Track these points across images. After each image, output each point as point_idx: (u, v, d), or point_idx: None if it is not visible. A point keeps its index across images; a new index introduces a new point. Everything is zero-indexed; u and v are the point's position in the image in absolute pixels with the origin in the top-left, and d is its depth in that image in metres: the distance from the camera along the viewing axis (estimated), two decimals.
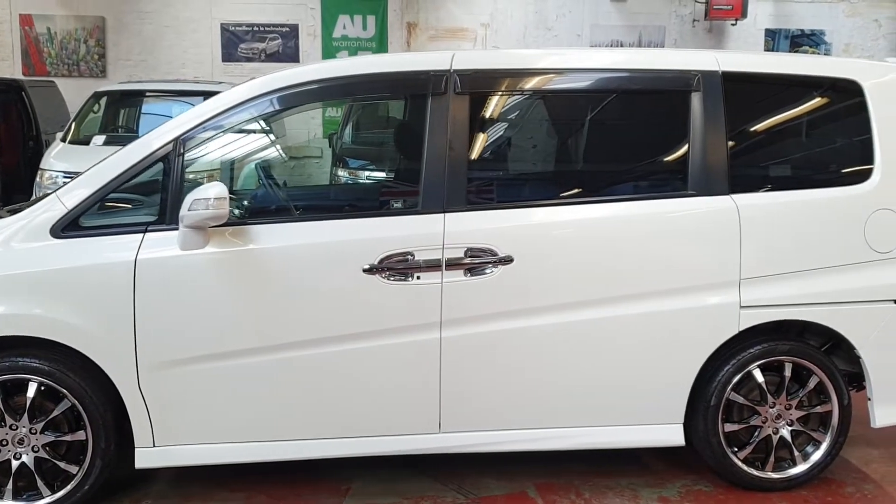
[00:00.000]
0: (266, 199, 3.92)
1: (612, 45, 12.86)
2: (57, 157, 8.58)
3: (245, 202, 3.81)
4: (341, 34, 12.85)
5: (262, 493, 3.67)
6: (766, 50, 12.85)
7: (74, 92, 11.43)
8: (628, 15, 13.07)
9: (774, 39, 13.22)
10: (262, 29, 12.80)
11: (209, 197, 3.13)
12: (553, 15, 13.06)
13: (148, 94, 9.81)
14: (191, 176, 3.52)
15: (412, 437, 3.52)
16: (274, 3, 12.70)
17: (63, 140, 9.00)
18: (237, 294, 3.33)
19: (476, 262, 3.39)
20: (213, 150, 3.61)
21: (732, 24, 12.95)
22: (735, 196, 3.54)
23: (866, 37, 13.27)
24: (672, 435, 3.63)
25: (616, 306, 3.48)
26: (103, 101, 9.59)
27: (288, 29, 12.82)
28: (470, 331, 3.43)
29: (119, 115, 9.83)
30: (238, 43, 12.77)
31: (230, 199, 3.59)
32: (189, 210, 3.15)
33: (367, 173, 6.83)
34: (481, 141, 3.70)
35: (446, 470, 3.86)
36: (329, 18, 12.81)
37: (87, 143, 8.76)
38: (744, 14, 12.46)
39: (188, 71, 12.55)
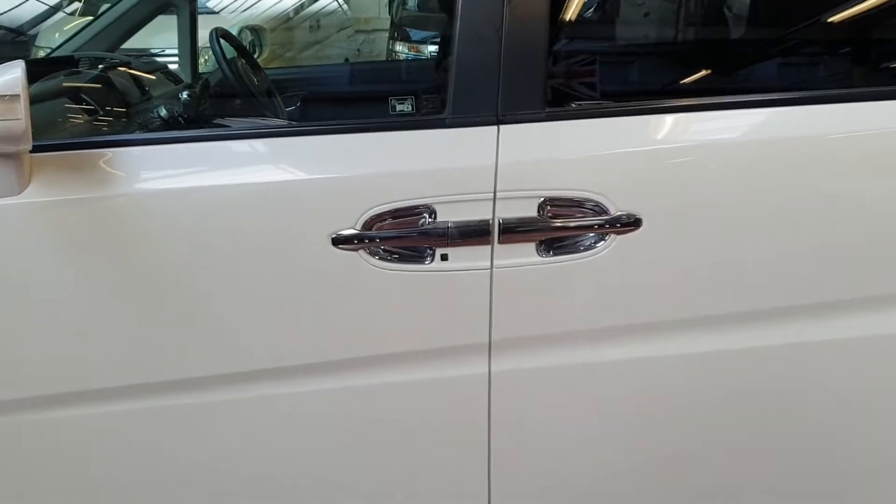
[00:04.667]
0: (172, 103, 2.22)
1: None
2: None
3: (122, 108, 2.12)
4: None
5: None
6: None
7: None
8: None
9: None
10: None
11: None
12: None
13: None
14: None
15: None
16: None
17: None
18: (88, 287, 1.69)
19: (564, 226, 1.65)
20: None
21: None
22: None
23: None
24: None
25: (849, 316, 1.71)
26: None
27: None
28: (547, 362, 1.73)
29: None
30: None
31: (120, 97, 1.95)
32: None
33: (430, 49, 5.03)
34: None
35: None
36: None
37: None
38: None
39: None
